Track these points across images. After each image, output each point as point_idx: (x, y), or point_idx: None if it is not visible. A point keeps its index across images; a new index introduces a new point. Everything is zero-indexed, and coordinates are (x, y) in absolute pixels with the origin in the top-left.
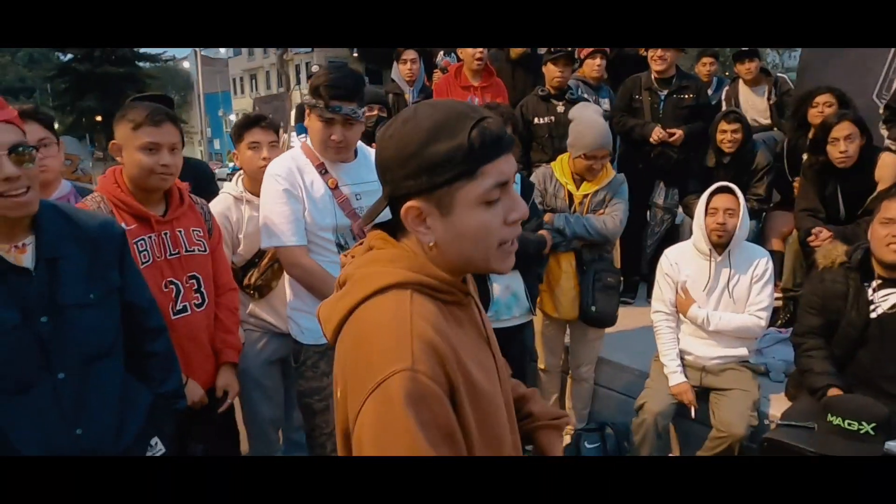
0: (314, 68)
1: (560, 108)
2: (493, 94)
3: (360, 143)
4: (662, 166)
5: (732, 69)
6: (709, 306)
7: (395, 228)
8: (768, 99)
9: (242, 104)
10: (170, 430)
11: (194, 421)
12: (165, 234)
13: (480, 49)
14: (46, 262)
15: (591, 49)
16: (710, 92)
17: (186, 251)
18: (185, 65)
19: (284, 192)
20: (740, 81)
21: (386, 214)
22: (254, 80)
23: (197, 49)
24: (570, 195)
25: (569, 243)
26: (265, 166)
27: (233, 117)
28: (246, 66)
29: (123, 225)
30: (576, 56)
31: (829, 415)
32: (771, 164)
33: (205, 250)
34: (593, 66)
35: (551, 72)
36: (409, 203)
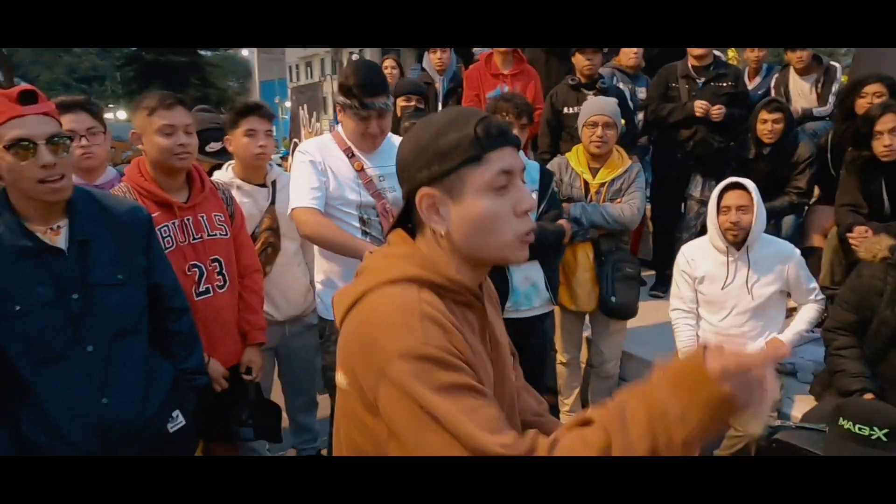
0: (354, 56)
1: (590, 98)
2: (523, 81)
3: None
4: (700, 155)
5: (783, 56)
6: (727, 304)
7: (412, 229)
8: (817, 88)
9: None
10: (190, 404)
11: (235, 407)
12: (188, 219)
13: None
14: (78, 244)
15: None
16: (759, 79)
17: (209, 235)
18: (244, 53)
19: (309, 162)
20: (790, 69)
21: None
22: (309, 68)
23: None
24: (586, 184)
25: (585, 232)
26: (261, 154)
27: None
28: (302, 54)
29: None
30: None
31: (841, 418)
32: (814, 155)
33: (226, 234)
34: (629, 54)
35: (580, 61)
36: (422, 191)
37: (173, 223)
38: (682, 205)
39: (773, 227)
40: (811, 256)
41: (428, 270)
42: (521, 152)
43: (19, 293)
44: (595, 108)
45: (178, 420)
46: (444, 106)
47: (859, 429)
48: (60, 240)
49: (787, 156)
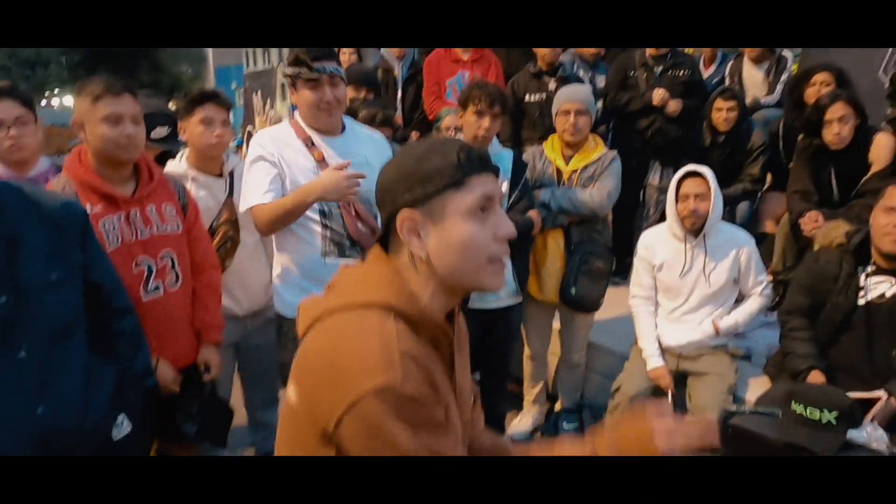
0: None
1: (552, 86)
2: (484, 67)
3: (345, 117)
4: (658, 143)
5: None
6: (684, 290)
7: (391, 252)
8: (768, 77)
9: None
10: (138, 407)
11: (183, 400)
12: (135, 212)
13: None
14: (7, 243)
15: None
16: (714, 67)
17: (158, 229)
18: None
19: (259, 157)
20: (745, 57)
21: None
22: (267, 53)
23: None
24: (559, 172)
25: (555, 218)
26: (217, 143)
27: None
28: None
29: (89, 206)
30: None
31: (793, 402)
32: (766, 143)
33: (178, 228)
34: None
35: (541, 49)
36: (403, 213)
37: (118, 216)
38: (641, 193)
39: (728, 214)
40: (764, 242)
41: (403, 301)
42: (495, 140)
43: None
44: (568, 96)
45: (123, 426)
46: (402, 93)
47: (810, 412)
48: None
49: (741, 144)
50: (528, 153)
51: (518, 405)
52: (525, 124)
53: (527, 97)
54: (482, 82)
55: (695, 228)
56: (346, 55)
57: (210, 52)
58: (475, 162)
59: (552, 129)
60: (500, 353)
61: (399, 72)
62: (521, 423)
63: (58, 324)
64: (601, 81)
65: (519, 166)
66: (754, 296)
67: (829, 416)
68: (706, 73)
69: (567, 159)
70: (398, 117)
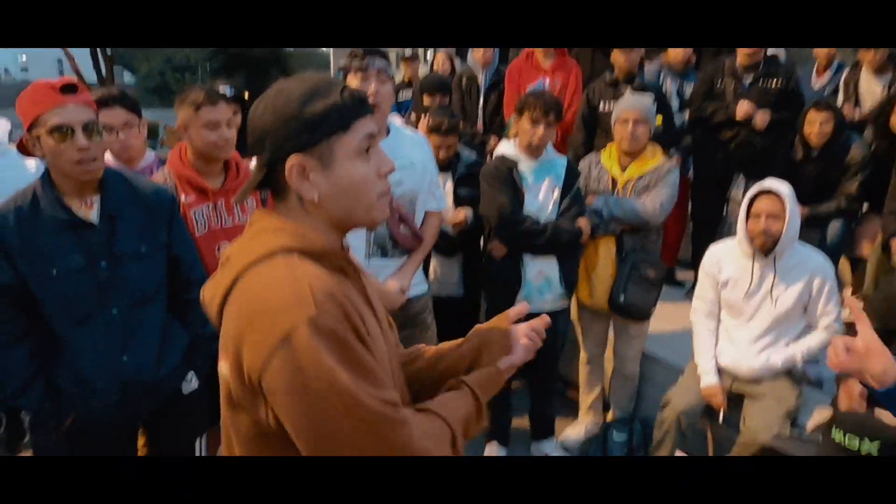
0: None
1: (625, 95)
2: (564, 75)
3: (391, 120)
4: (742, 157)
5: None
6: (748, 311)
7: (274, 196)
8: (889, 89)
9: None
10: (205, 368)
11: None
12: (221, 203)
13: None
14: (108, 218)
15: None
16: (828, 75)
17: (239, 220)
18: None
19: None
20: (862, 67)
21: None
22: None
23: None
24: (614, 180)
25: (606, 226)
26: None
27: None
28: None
29: (184, 196)
30: None
31: (834, 428)
32: (867, 159)
33: None
34: (678, 50)
35: (618, 58)
36: (292, 159)
37: (207, 206)
38: (724, 206)
39: (819, 234)
40: (859, 267)
41: (300, 239)
42: (549, 146)
43: (56, 259)
44: (627, 105)
45: (192, 382)
46: (485, 101)
47: (849, 441)
48: (93, 214)
49: (837, 159)
50: (585, 160)
51: (576, 412)
52: (598, 133)
53: (601, 106)
54: (539, 91)
55: (765, 248)
56: (440, 62)
57: (332, 60)
58: (358, 105)
59: None
60: (546, 356)
61: (482, 79)
62: (574, 430)
63: (143, 289)
64: (690, 91)
65: (571, 173)
66: (819, 329)
67: (869, 446)
68: (817, 83)
69: (623, 168)
70: (479, 124)
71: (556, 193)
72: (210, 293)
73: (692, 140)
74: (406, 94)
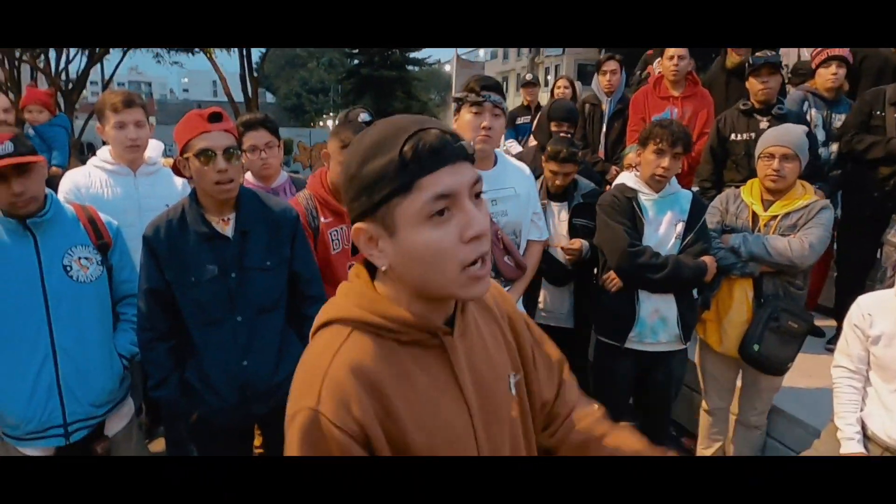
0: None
1: (763, 125)
2: (695, 104)
3: (498, 151)
4: None
5: None
6: None
7: None
8: None
9: None
10: None
11: None
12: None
13: (678, 55)
14: (241, 233)
15: (825, 55)
16: None
17: None
18: (447, 68)
19: None
20: None
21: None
22: (505, 82)
23: (457, 52)
24: (755, 216)
25: (744, 266)
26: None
27: None
28: (500, 68)
29: (323, 218)
30: (807, 64)
31: None
32: None
33: None
34: (827, 75)
35: (753, 85)
36: (356, 225)
37: (342, 228)
38: (878, 251)
39: None
40: None
41: (364, 309)
42: (674, 181)
43: (195, 268)
44: (774, 138)
45: None
46: (608, 128)
47: None
48: (228, 229)
49: None
50: (723, 195)
51: None
52: (728, 165)
53: (732, 136)
54: (667, 121)
55: None
56: (561, 89)
57: (454, 81)
58: (425, 159)
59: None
60: (658, 398)
61: (607, 106)
62: None
63: (266, 300)
64: (839, 121)
65: (697, 208)
66: None
67: None
68: None
69: (766, 205)
70: (600, 151)
71: (680, 228)
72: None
73: (842, 175)
74: (525, 118)
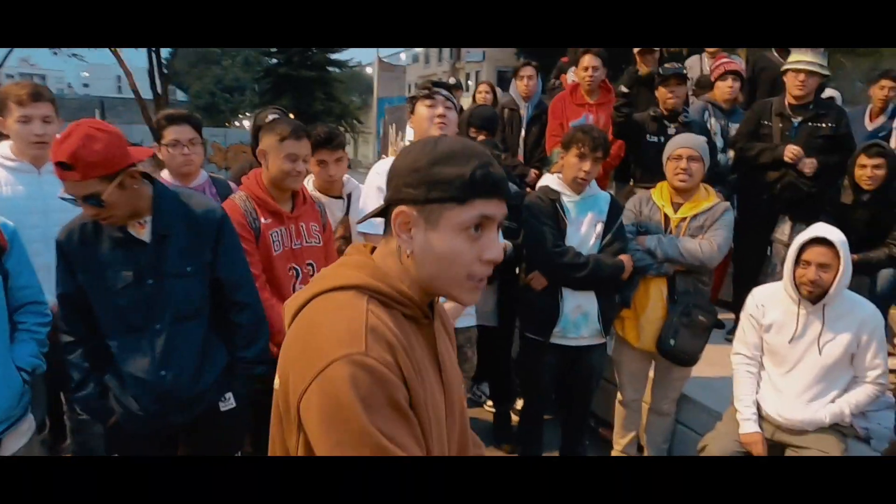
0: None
1: (671, 131)
2: (608, 111)
3: None
4: (788, 198)
5: None
6: (792, 358)
7: (385, 232)
8: None
9: None
10: (242, 390)
11: None
12: (292, 227)
13: (592, 66)
14: (159, 237)
15: (723, 70)
16: (883, 119)
17: (306, 242)
18: (368, 70)
19: (378, 186)
20: None
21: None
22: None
23: (379, 55)
24: (667, 218)
25: (660, 266)
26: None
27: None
28: (422, 72)
29: (263, 218)
30: (708, 77)
31: None
32: None
33: (319, 242)
34: (724, 87)
35: (663, 94)
36: (401, 207)
37: (281, 229)
38: (769, 247)
39: (868, 281)
40: None
41: (378, 280)
42: (594, 183)
43: (109, 274)
44: (680, 142)
45: (229, 401)
46: (527, 133)
47: None
48: (145, 233)
49: (889, 204)
50: (634, 198)
51: (608, 451)
52: (638, 163)
53: (647, 137)
54: (588, 126)
55: (812, 297)
56: (482, 94)
57: (375, 84)
58: (487, 186)
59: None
60: (580, 392)
61: (525, 111)
62: None
63: (186, 307)
64: (735, 130)
65: (615, 209)
66: (867, 382)
67: None
68: (871, 126)
69: (676, 207)
70: (519, 155)
71: (599, 228)
72: (289, 306)
73: (737, 179)
74: None
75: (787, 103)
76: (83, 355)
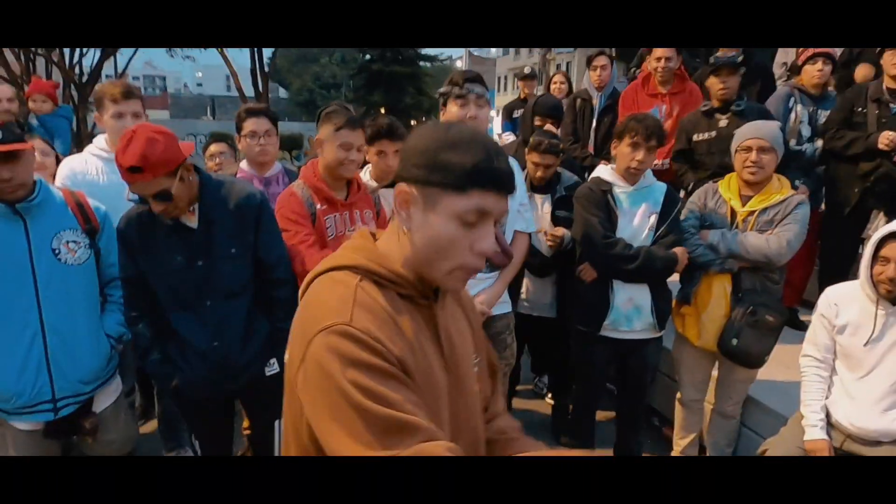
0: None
1: (723, 123)
2: (682, 101)
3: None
4: (882, 191)
5: None
6: (868, 362)
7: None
8: None
9: (503, 101)
10: (284, 356)
11: None
12: (346, 213)
13: (664, 56)
14: (206, 223)
15: (811, 52)
16: None
17: (360, 229)
18: (458, 65)
19: None
20: None
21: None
22: (515, 82)
23: (470, 49)
24: (733, 212)
25: (722, 262)
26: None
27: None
28: (512, 64)
29: (318, 205)
30: (795, 61)
31: None
32: None
33: (372, 229)
34: (812, 71)
35: (713, 84)
36: (403, 186)
37: (335, 216)
38: (860, 245)
39: None
40: None
41: (372, 261)
42: (649, 173)
43: (167, 259)
44: (750, 131)
45: (273, 366)
46: (598, 123)
47: None
48: (194, 220)
49: None
50: (700, 190)
51: (669, 451)
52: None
53: (695, 136)
54: (641, 115)
55: (891, 297)
56: (557, 84)
57: None
58: (488, 178)
59: (722, 168)
60: (633, 386)
61: (597, 101)
62: None
63: (232, 286)
64: (825, 117)
65: (671, 201)
66: None
67: None
68: None
69: (744, 200)
70: (590, 146)
71: (653, 220)
72: (301, 288)
73: (825, 171)
74: (521, 111)
75: (885, 87)
76: (146, 327)
